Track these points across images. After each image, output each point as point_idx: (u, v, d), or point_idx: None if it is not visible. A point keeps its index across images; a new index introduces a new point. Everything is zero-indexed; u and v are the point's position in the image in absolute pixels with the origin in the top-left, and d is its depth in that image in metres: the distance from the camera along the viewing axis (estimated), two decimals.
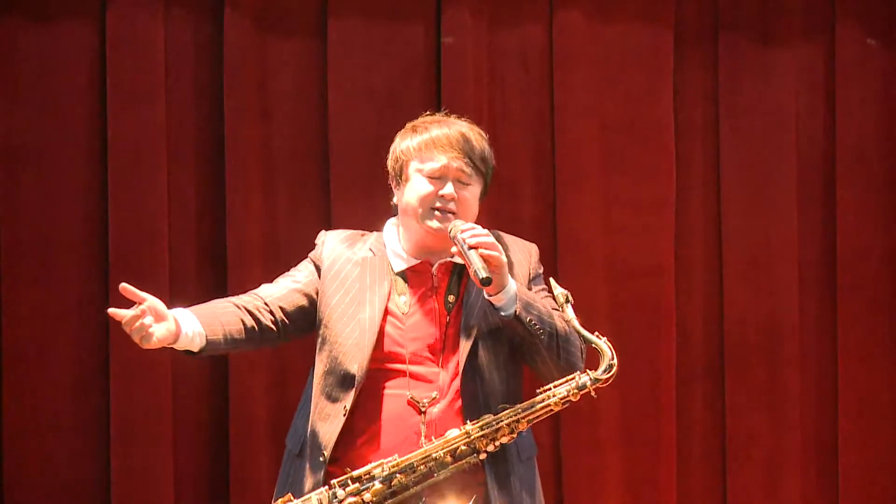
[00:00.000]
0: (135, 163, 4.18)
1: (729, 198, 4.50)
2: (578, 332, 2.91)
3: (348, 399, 2.95)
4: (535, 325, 2.90)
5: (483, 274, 2.81)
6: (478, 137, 3.05)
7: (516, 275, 3.02)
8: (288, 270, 3.15)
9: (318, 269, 3.08)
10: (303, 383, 3.12)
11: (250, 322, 3.00)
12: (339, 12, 4.30)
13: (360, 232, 3.15)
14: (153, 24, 4.20)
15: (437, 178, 2.99)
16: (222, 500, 4.25)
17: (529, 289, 3.06)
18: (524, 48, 4.41)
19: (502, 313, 2.90)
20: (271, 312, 3.03)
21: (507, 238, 3.11)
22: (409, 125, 3.11)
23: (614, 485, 4.42)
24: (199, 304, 3.02)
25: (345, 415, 2.94)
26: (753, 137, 4.51)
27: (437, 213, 2.98)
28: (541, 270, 3.14)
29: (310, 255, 3.13)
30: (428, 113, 3.17)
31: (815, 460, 4.53)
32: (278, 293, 3.06)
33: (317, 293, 3.06)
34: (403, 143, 3.06)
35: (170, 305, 4.22)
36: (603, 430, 4.40)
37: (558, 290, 2.94)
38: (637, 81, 4.45)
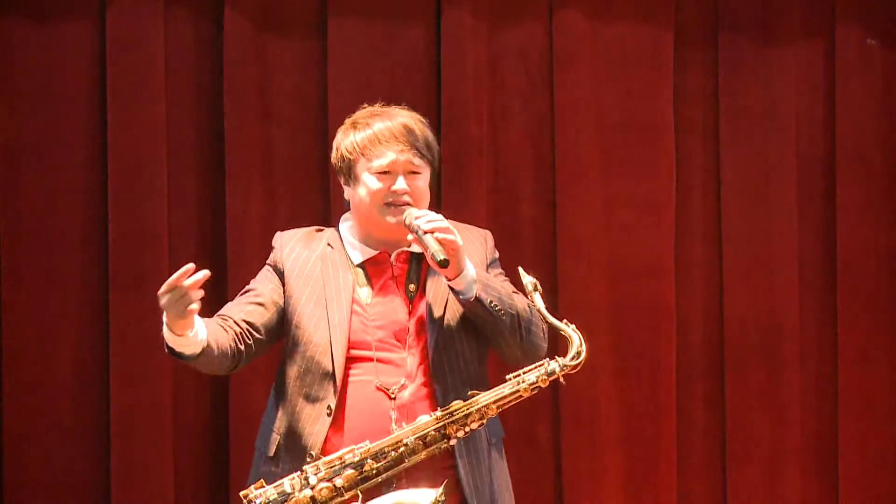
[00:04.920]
0: (135, 163, 4.18)
1: (729, 198, 4.50)
2: (546, 320, 2.94)
3: (330, 397, 2.97)
4: (497, 306, 2.94)
5: (440, 256, 2.86)
6: (419, 125, 3.08)
7: (473, 261, 3.03)
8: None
9: (280, 273, 3.10)
10: None
11: (235, 348, 3.00)
12: (339, 12, 4.30)
13: (316, 228, 3.18)
14: (153, 24, 4.20)
15: (387, 173, 3.02)
16: (222, 500, 4.25)
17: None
18: (524, 48, 4.41)
19: (462, 297, 2.94)
20: (250, 335, 3.03)
21: (460, 226, 3.13)
22: (348, 121, 3.13)
23: (614, 485, 4.42)
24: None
25: (329, 414, 2.96)
26: (753, 137, 4.51)
27: (391, 207, 3.01)
28: (496, 255, 3.18)
29: (267, 261, 3.14)
30: (364, 105, 3.17)
31: (815, 460, 4.53)
32: (255, 318, 3.04)
33: (283, 300, 3.07)
34: (347, 141, 3.07)
35: None
36: (603, 430, 4.40)
37: (527, 279, 2.97)
38: (637, 81, 4.45)
